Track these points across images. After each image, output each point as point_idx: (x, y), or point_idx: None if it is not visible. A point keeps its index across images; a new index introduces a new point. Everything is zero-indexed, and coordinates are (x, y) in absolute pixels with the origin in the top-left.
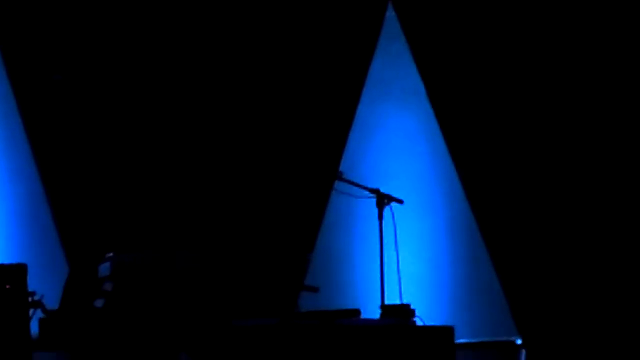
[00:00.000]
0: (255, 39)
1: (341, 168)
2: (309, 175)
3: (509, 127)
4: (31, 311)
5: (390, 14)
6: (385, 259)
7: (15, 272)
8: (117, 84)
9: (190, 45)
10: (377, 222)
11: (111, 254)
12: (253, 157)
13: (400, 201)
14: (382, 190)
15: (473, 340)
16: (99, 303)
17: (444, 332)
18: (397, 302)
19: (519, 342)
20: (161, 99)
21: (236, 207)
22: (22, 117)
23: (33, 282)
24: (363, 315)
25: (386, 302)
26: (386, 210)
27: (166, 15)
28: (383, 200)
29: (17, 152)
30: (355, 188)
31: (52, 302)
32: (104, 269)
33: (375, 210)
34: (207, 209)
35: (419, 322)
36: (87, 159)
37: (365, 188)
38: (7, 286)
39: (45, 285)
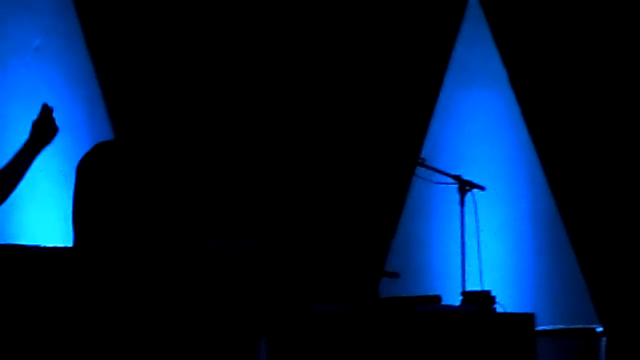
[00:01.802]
0: (337, 22)
1: (423, 154)
2: (390, 161)
3: (593, 114)
4: None
5: None
6: (466, 246)
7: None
8: (206, 68)
9: (276, 31)
10: (458, 209)
11: (193, 239)
12: (335, 143)
13: (481, 188)
14: (463, 176)
15: (553, 327)
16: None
17: (524, 319)
18: (478, 288)
19: (600, 329)
20: (247, 85)
21: (318, 192)
22: (106, 102)
23: None
24: (443, 302)
25: (467, 288)
26: (467, 197)
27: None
28: (464, 186)
29: (100, 137)
30: (437, 174)
31: None
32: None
33: (457, 197)
34: (290, 195)
35: (499, 309)
36: (172, 142)
37: (447, 174)
38: None
39: None
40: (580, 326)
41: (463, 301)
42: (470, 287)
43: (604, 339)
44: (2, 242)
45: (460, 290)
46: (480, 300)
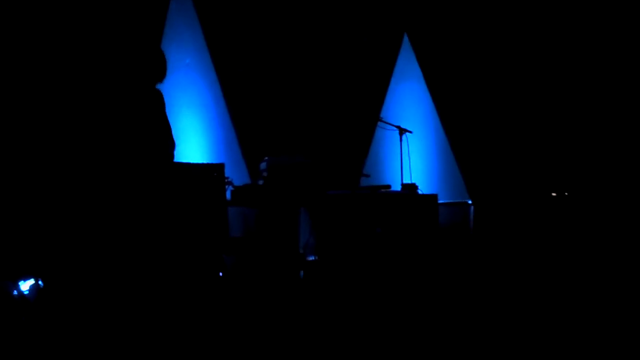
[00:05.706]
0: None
1: None
2: None
3: None
4: (227, 187)
5: None
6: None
7: (219, 167)
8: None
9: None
10: None
11: (267, 158)
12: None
13: None
14: None
15: (445, 201)
16: (260, 182)
17: (432, 197)
18: (410, 181)
19: (470, 202)
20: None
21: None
22: (223, 89)
23: (227, 171)
24: (392, 188)
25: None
26: None
27: None
28: None
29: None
30: None
31: (236, 182)
32: (263, 165)
33: None
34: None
35: (420, 192)
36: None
37: None
38: (215, 174)
39: (232, 172)
40: (459, 200)
41: (402, 188)
42: (405, 181)
43: (472, 207)
44: None
45: (400, 182)
46: (411, 188)
